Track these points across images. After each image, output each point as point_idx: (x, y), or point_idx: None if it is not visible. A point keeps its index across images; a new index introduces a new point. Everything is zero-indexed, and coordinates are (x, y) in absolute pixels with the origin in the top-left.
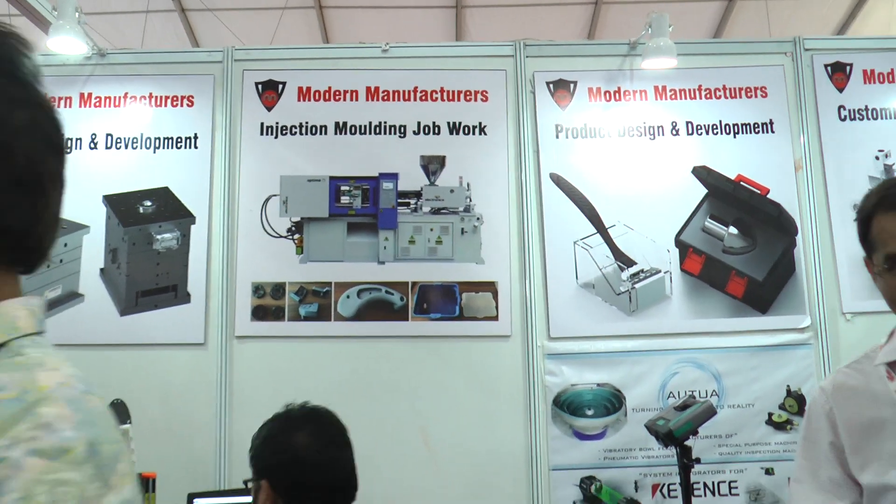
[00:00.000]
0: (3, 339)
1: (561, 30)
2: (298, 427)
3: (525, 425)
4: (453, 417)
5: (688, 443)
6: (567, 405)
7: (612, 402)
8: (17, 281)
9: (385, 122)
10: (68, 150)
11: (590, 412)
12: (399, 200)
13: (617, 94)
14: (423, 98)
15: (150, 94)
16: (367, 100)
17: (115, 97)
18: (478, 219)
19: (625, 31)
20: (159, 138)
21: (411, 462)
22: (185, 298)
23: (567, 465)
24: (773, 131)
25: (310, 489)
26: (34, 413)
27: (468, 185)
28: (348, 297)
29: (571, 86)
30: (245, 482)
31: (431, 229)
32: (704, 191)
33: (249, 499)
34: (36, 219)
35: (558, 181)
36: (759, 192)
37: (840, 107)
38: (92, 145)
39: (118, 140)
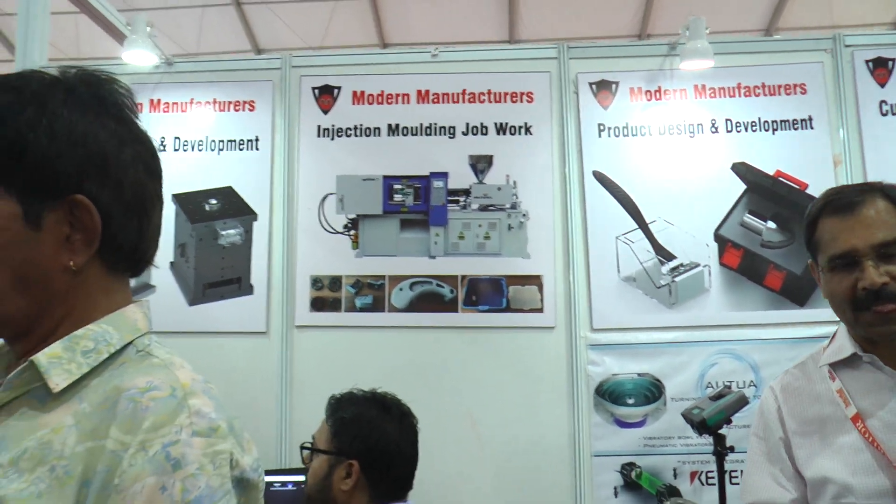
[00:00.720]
0: (130, 339)
1: (615, 15)
2: (392, 415)
3: (568, 413)
4: (500, 404)
5: (722, 431)
6: (609, 394)
7: (652, 391)
8: (128, 286)
9: (435, 124)
10: None
11: (630, 401)
12: (449, 198)
13: (657, 94)
14: (472, 100)
15: (214, 99)
16: (418, 102)
17: (181, 103)
18: (524, 215)
19: (680, 17)
20: (223, 141)
21: (460, 446)
22: (249, 290)
23: (608, 451)
24: (811, 127)
25: (395, 476)
26: (187, 405)
27: (515, 182)
28: (401, 289)
29: (613, 86)
30: (303, 446)
31: (480, 225)
32: (743, 186)
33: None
34: (142, 235)
35: (601, 178)
36: (797, 187)
37: (882, 102)
38: (161, 148)
39: (185, 143)
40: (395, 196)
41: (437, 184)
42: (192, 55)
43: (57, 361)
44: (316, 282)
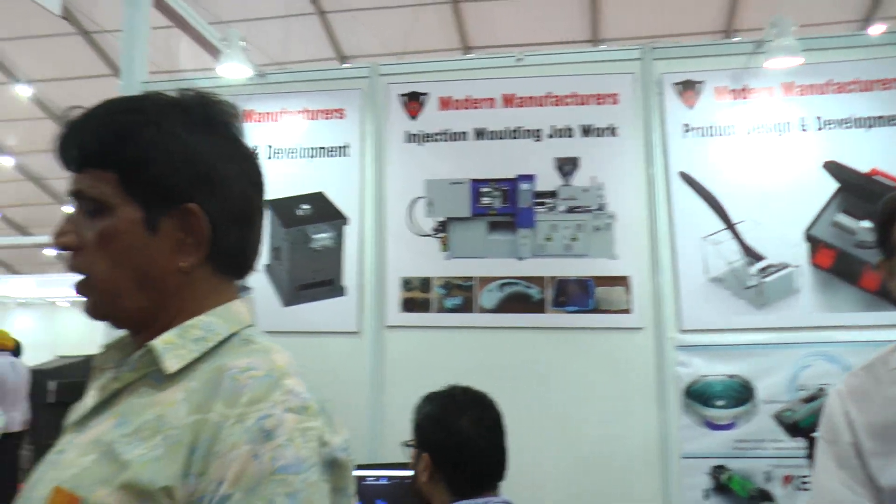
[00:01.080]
0: (235, 330)
1: (699, 10)
2: (464, 411)
3: (657, 414)
4: (588, 404)
5: (815, 434)
6: (698, 395)
7: (742, 392)
8: (233, 286)
9: (521, 127)
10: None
11: (720, 403)
12: (536, 200)
13: (744, 93)
14: (557, 102)
15: (305, 108)
16: (504, 106)
17: (273, 112)
18: (610, 216)
19: (768, 8)
20: (314, 148)
21: (548, 446)
22: (341, 291)
23: (698, 453)
24: None
25: (467, 469)
26: (281, 384)
27: (601, 184)
28: (490, 290)
29: (698, 85)
30: (404, 444)
31: (567, 227)
32: (834, 186)
33: (397, 472)
34: (245, 242)
35: (687, 179)
36: (894, 184)
37: None
38: None
39: (277, 151)
40: (483, 199)
41: (524, 186)
42: (279, 64)
43: (171, 347)
44: (406, 283)
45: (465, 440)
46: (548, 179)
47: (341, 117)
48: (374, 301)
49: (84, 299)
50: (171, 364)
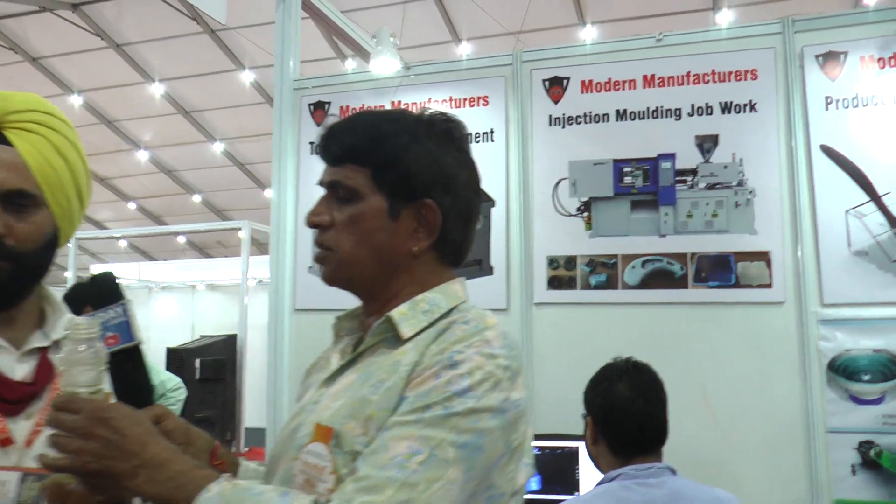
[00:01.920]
0: (454, 305)
1: None
2: (622, 377)
3: (800, 388)
4: (731, 378)
5: None
6: (842, 370)
7: (889, 367)
8: (450, 271)
9: (661, 107)
10: None
11: (866, 377)
12: (677, 178)
13: (891, 61)
14: (696, 81)
15: (451, 97)
16: (644, 87)
17: (420, 102)
18: (751, 192)
19: None
20: None
21: (691, 418)
22: (489, 270)
23: (844, 428)
24: None
25: (621, 431)
26: (482, 334)
27: (741, 160)
28: (633, 267)
29: (841, 56)
30: (582, 415)
31: (707, 203)
32: None
33: (549, 443)
34: (465, 236)
35: (829, 152)
36: None
37: None
38: None
39: None
40: (625, 178)
41: (665, 165)
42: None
43: (405, 317)
44: (552, 262)
45: (616, 405)
46: (688, 157)
47: (486, 104)
48: (521, 279)
49: (323, 268)
50: (406, 331)
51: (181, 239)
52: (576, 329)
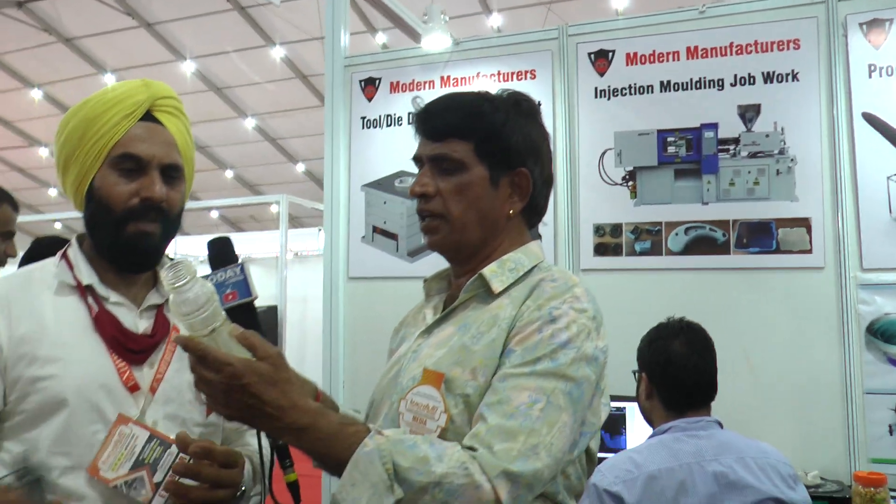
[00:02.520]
0: (534, 263)
1: None
2: (676, 335)
3: (839, 350)
4: (771, 341)
5: None
6: (881, 333)
7: None
8: (529, 232)
9: (704, 77)
10: None
11: None
12: (719, 147)
13: None
14: (739, 52)
15: (498, 71)
16: (687, 58)
17: (468, 77)
18: (792, 160)
19: None
20: None
21: (733, 380)
22: (538, 237)
23: (881, 389)
24: None
25: (676, 385)
26: (572, 291)
27: (782, 129)
28: (676, 234)
29: (886, 24)
30: (633, 371)
31: (749, 172)
32: None
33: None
34: (546, 201)
35: (871, 119)
36: None
37: None
38: None
39: None
40: (669, 148)
41: (708, 134)
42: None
43: (495, 274)
44: (598, 229)
45: (671, 360)
46: (730, 127)
47: (533, 78)
48: (569, 246)
49: (432, 235)
50: (496, 286)
51: (214, 214)
52: (621, 294)
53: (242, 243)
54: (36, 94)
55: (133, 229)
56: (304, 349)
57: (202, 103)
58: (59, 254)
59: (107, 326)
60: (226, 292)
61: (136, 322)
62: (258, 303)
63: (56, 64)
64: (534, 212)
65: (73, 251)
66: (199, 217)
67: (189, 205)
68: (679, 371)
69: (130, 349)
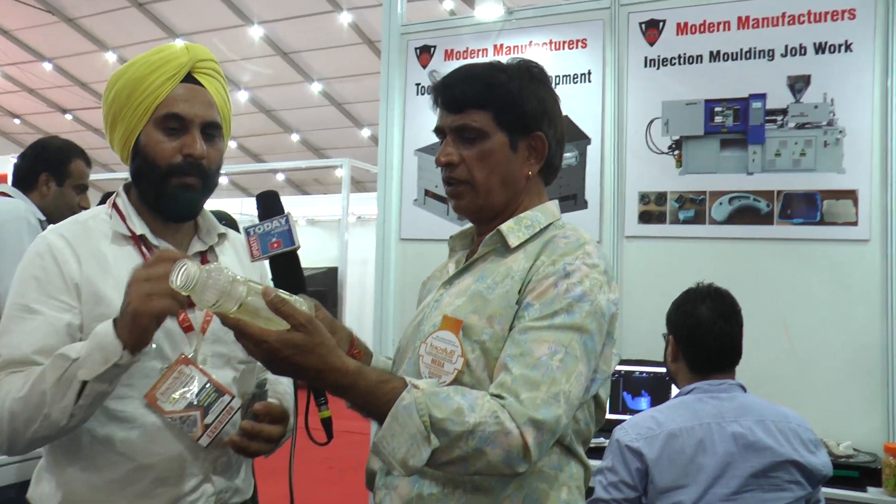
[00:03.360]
0: (550, 221)
1: None
2: (703, 300)
3: (880, 322)
4: (811, 311)
5: None
6: None
7: None
8: (545, 191)
9: (755, 48)
10: None
11: None
12: (766, 118)
13: None
14: (791, 22)
15: (550, 40)
16: (738, 29)
17: (521, 45)
18: (840, 132)
19: None
20: (559, 76)
21: (772, 349)
22: (583, 205)
23: None
24: None
25: (701, 348)
26: (583, 248)
27: (832, 100)
28: (720, 203)
29: None
30: (663, 335)
31: (796, 143)
32: None
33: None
34: (560, 161)
35: None
36: None
37: None
38: None
39: None
40: (716, 118)
41: (756, 105)
42: None
43: (511, 230)
44: (643, 197)
45: (702, 323)
46: (779, 97)
47: (584, 47)
48: (614, 214)
49: (459, 200)
50: (512, 241)
51: (280, 177)
52: (664, 261)
53: (306, 206)
54: (110, 57)
55: (176, 183)
56: (363, 309)
57: (269, 68)
58: (109, 203)
59: None
60: (271, 240)
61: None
62: (320, 263)
63: (129, 28)
64: (549, 171)
65: (123, 202)
66: (265, 179)
67: (255, 167)
68: (704, 335)
69: None
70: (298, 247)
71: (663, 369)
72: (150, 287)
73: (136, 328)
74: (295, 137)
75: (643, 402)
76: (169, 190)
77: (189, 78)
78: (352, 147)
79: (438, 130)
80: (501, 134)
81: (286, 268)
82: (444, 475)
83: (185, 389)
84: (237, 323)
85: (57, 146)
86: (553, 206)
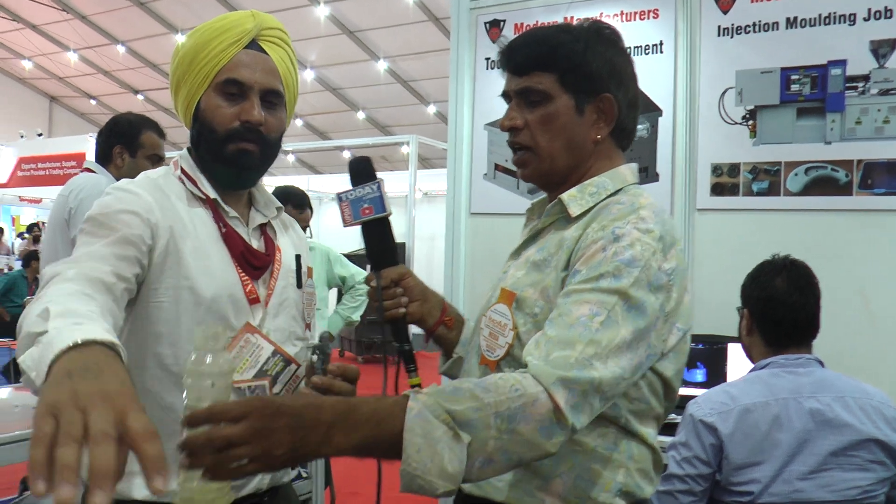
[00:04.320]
0: (620, 187)
1: None
2: (779, 272)
3: None
4: (892, 284)
5: None
6: None
7: None
8: (622, 155)
9: (834, 13)
10: None
11: None
12: (846, 85)
13: None
14: None
15: (621, 11)
16: None
17: (591, 17)
18: None
19: None
20: (630, 47)
21: (850, 322)
22: (655, 177)
23: None
24: None
25: (776, 322)
26: (637, 212)
27: None
28: (796, 174)
29: None
30: (737, 308)
31: (878, 110)
32: None
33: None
34: (633, 123)
35: None
36: None
37: None
38: None
39: None
40: (792, 86)
41: (835, 72)
42: None
43: (573, 199)
44: (716, 169)
45: (778, 296)
46: (860, 64)
47: (655, 17)
48: (686, 186)
49: (524, 168)
50: (574, 210)
51: (346, 154)
52: (736, 234)
53: None
54: (180, 39)
55: (234, 148)
56: (429, 284)
57: (335, 46)
58: (173, 164)
59: (236, 241)
60: (363, 206)
61: (251, 239)
62: None
63: (199, 10)
64: (623, 134)
65: (189, 165)
66: (331, 156)
67: (321, 144)
68: (779, 307)
69: (252, 264)
70: (390, 213)
71: (721, 342)
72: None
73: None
74: (361, 115)
75: (698, 373)
76: (226, 155)
77: (254, 45)
78: (417, 124)
79: (505, 95)
80: (567, 96)
81: (378, 235)
82: None
83: (253, 359)
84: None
85: (128, 119)
86: (626, 170)
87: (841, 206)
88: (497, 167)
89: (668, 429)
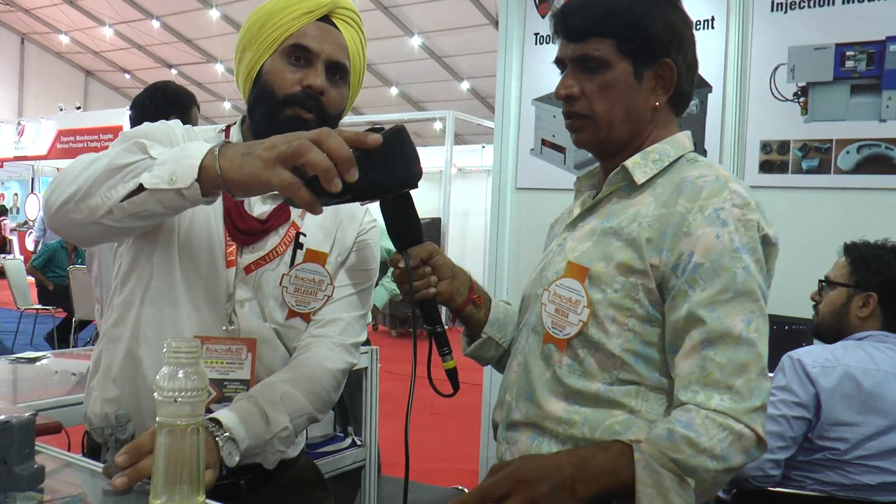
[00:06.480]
0: (680, 154)
1: None
2: None
3: None
4: None
5: None
6: None
7: None
8: (676, 122)
9: None
10: None
11: None
12: None
13: None
14: None
15: None
16: None
17: None
18: None
19: None
20: None
21: None
22: (703, 154)
23: None
24: None
25: None
26: (727, 187)
27: None
28: (848, 152)
29: None
30: (821, 280)
31: None
32: None
33: None
34: (692, 88)
35: None
36: None
37: None
38: None
39: None
40: (847, 62)
41: (893, 48)
42: None
43: (638, 166)
44: (765, 146)
45: None
46: None
47: None
48: (734, 163)
49: (578, 134)
50: (639, 177)
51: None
52: (785, 212)
53: None
54: (214, 14)
55: (291, 113)
56: (463, 259)
57: (369, 21)
58: (224, 126)
59: (229, 198)
60: None
61: (255, 205)
62: (422, 215)
63: None
64: (680, 100)
65: (235, 129)
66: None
67: (353, 119)
68: None
69: (237, 227)
70: (413, 187)
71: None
72: (289, 150)
73: (237, 175)
74: (394, 90)
75: None
76: (282, 118)
77: (326, 20)
78: (449, 100)
79: (559, 62)
80: (625, 63)
81: (400, 211)
82: (563, 433)
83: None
84: None
85: (183, 91)
86: (684, 136)
87: (894, 185)
88: (544, 142)
89: None
